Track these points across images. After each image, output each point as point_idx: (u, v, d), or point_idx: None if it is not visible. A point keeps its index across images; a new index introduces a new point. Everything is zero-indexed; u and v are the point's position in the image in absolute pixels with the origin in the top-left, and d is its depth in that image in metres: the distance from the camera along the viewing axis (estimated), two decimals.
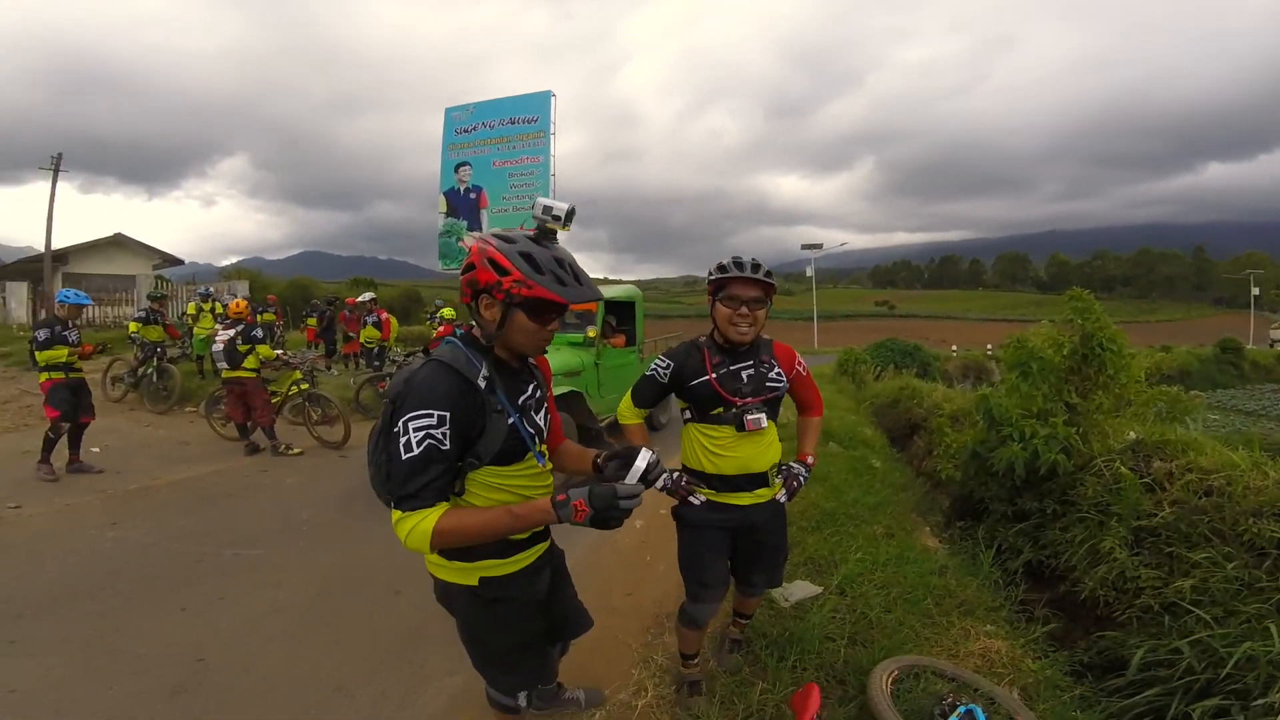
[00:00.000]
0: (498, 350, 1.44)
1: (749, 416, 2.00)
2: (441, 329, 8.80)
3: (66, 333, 5.37)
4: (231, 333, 6.24)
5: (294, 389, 6.74)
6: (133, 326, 8.38)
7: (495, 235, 1.40)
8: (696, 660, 2.36)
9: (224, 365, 6.25)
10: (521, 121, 14.47)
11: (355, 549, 3.90)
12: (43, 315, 8.33)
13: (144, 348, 8.32)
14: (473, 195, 14.78)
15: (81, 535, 4.04)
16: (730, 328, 1.97)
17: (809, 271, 36.35)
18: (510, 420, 1.41)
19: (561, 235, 1.97)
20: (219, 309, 9.78)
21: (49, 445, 5.28)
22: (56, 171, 19.59)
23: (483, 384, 1.37)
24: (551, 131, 14.31)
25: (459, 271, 1.45)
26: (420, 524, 1.26)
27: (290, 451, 6.24)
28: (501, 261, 1.34)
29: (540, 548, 1.58)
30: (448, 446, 1.29)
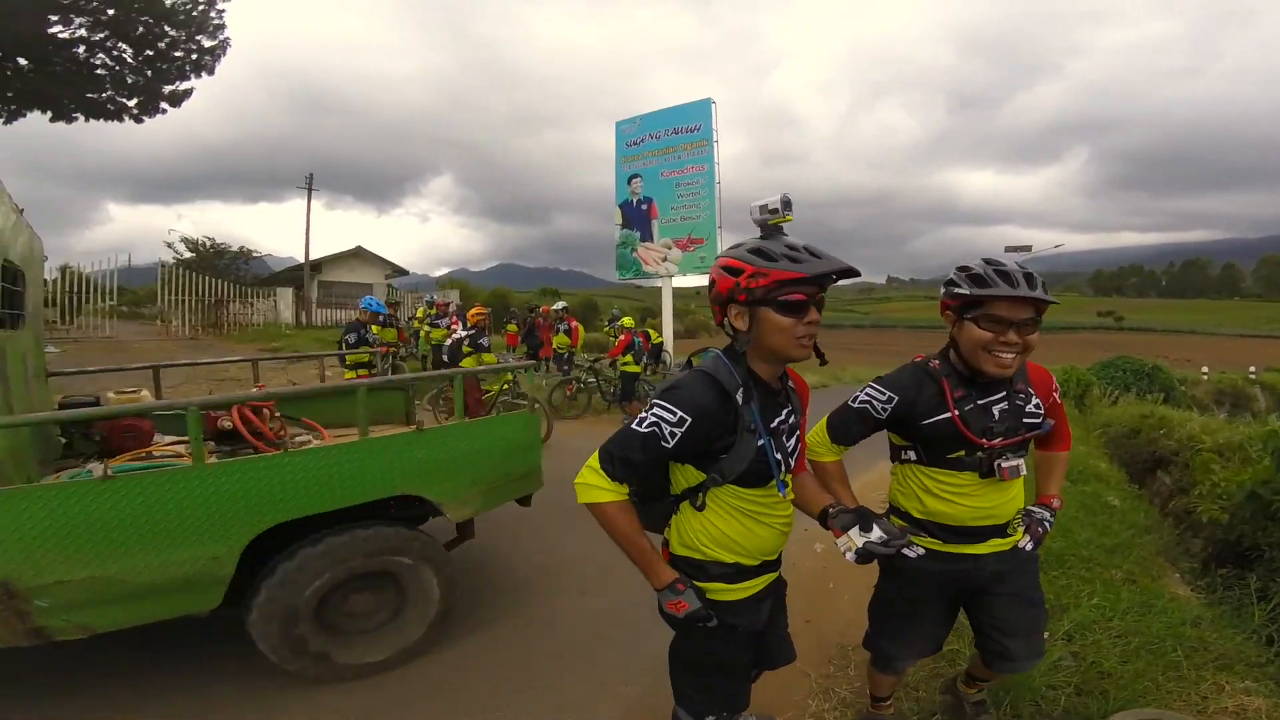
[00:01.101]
0: (755, 364, 1.40)
1: (1004, 464, 1.63)
2: (623, 338, 9.29)
3: (368, 335, 6.47)
4: (464, 335, 7.05)
5: (504, 387, 7.53)
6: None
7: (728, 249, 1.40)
8: (889, 702, 2.16)
9: (446, 360, 7.13)
10: (684, 131, 14.63)
11: (554, 543, 4.23)
12: (349, 322, 10.36)
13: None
14: (644, 206, 15.23)
15: None
16: (987, 358, 1.55)
17: None
18: (760, 442, 1.37)
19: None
20: (431, 311, 11.42)
21: None
22: (310, 191, 24.07)
23: (739, 398, 1.35)
24: (714, 139, 14.34)
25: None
26: (597, 490, 1.35)
27: None
28: (733, 264, 1.33)
29: (768, 577, 1.55)
30: (669, 445, 1.31)
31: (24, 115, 14.99)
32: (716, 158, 14.31)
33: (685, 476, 1.45)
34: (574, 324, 11.44)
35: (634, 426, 1.34)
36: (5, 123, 14.97)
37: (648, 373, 10.09)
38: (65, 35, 13.93)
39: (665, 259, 14.90)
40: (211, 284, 18.00)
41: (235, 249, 27.21)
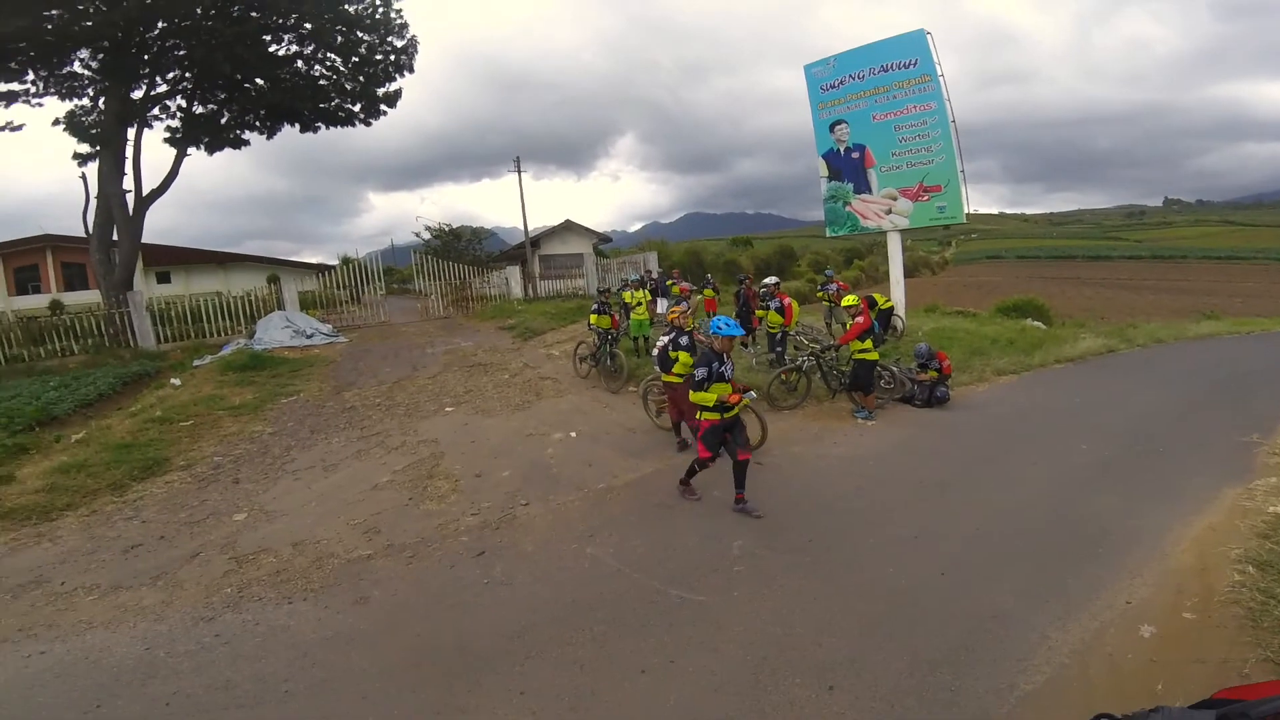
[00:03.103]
0: None
1: None
2: (859, 320, 7.80)
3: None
4: (665, 340, 6.62)
5: None
6: (592, 319, 10.00)
7: None
8: None
9: (659, 369, 6.71)
10: (896, 67, 12.58)
11: (785, 605, 3.73)
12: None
13: (599, 335, 9.86)
14: (855, 155, 13.40)
15: (567, 549, 4.64)
16: None
17: None
18: None
19: None
20: (646, 295, 11.14)
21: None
22: (519, 172, 25.77)
23: None
24: (939, 73, 12.09)
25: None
26: None
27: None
28: None
29: None
30: None
31: (280, 129, 18.36)
32: (945, 93, 12.05)
33: None
34: (786, 301, 10.22)
35: None
36: (268, 138, 18.57)
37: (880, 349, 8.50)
38: (283, 52, 16.44)
39: (890, 211, 12.86)
40: (455, 268, 20.21)
41: (470, 230, 30.50)
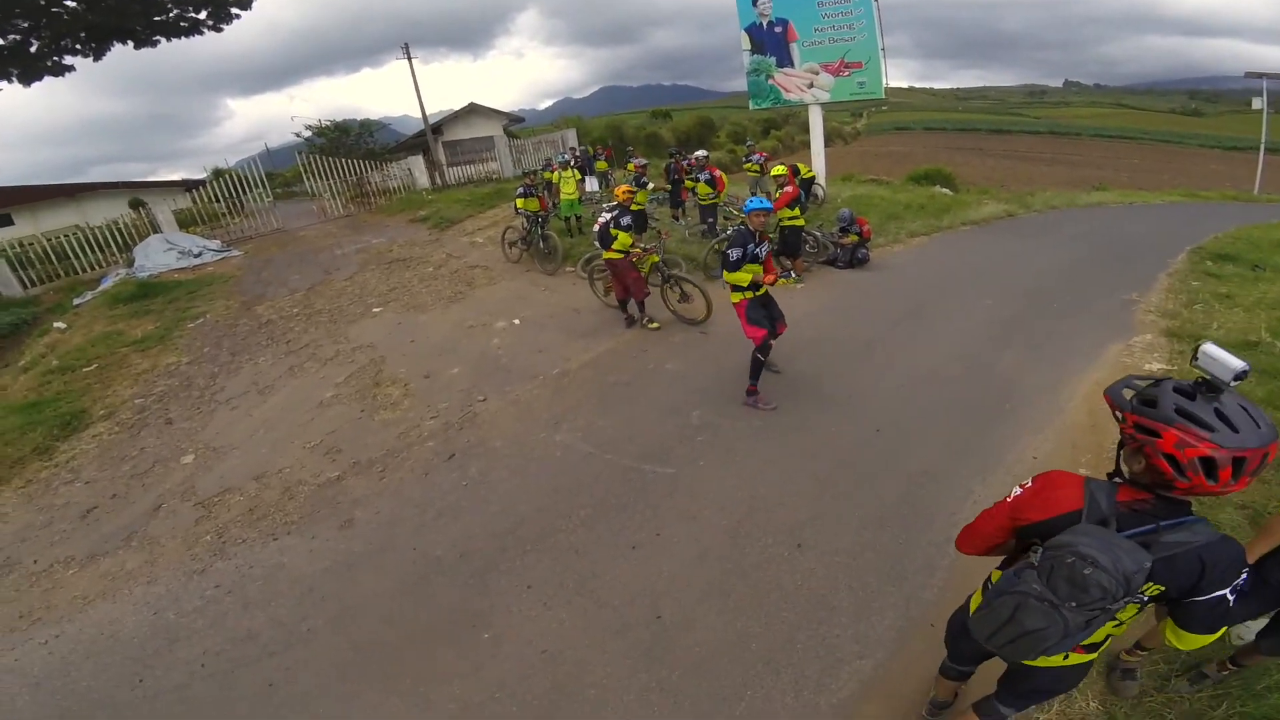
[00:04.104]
0: None
1: None
2: (789, 189, 7.99)
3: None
4: (607, 216, 6.61)
5: (657, 260, 7.00)
6: (519, 203, 9.56)
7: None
8: None
9: (599, 245, 6.77)
10: None
11: (748, 470, 4.10)
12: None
13: (528, 219, 9.55)
14: (778, 29, 13.07)
15: (536, 439, 4.80)
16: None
17: (1257, 103, 25.62)
18: None
19: None
20: (575, 175, 10.79)
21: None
22: (410, 59, 22.94)
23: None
24: None
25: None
26: None
27: (649, 325, 6.73)
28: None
29: None
30: None
31: (109, 48, 15.37)
32: None
33: None
34: (716, 172, 10.27)
35: None
36: (95, 59, 15.55)
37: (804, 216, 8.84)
38: None
39: (812, 85, 12.76)
40: (348, 164, 18.40)
41: (358, 124, 27.43)
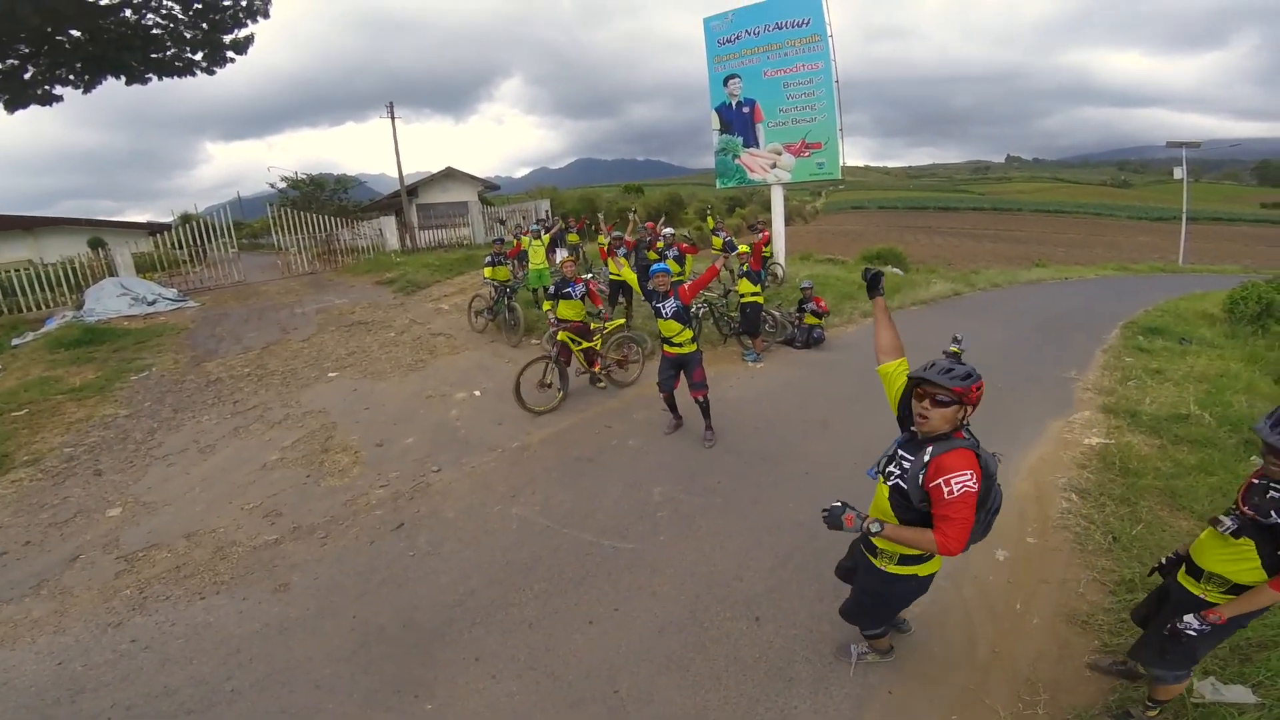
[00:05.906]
0: None
1: None
2: (749, 265, 8.41)
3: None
4: (553, 288, 6.85)
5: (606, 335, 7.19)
6: (486, 272, 9.66)
7: None
8: None
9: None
10: (790, 25, 12.99)
11: (707, 545, 4.09)
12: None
13: (496, 288, 9.59)
14: (746, 110, 13.87)
15: (491, 511, 4.67)
16: None
17: (1178, 173, 28.34)
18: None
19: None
20: (545, 239, 11.00)
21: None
22: (393, 119, 23.44)
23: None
24: (829, 34, 12.63)
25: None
26: None
27: (598, 385, 7.16)
28: None
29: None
30: None
31: (101, 82, 15.28)
32: (833, 54, 12.62)
33: None
34: (684, 248, 10.54)
35: None
36: (84, 92, 15.38)
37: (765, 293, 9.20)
38: (105, 1, 13.64)
39: (775, 165, 13.49)
40: (319, 219, 18.43)
41: (334, 179, 27.66)
